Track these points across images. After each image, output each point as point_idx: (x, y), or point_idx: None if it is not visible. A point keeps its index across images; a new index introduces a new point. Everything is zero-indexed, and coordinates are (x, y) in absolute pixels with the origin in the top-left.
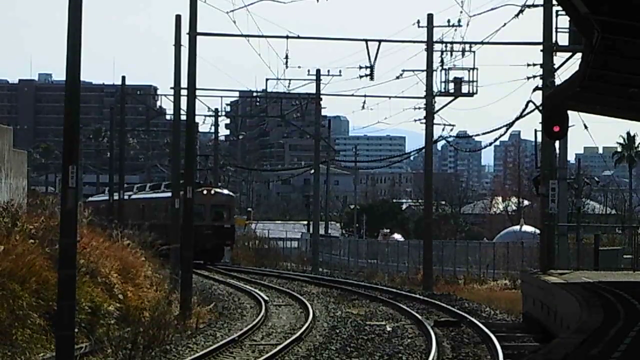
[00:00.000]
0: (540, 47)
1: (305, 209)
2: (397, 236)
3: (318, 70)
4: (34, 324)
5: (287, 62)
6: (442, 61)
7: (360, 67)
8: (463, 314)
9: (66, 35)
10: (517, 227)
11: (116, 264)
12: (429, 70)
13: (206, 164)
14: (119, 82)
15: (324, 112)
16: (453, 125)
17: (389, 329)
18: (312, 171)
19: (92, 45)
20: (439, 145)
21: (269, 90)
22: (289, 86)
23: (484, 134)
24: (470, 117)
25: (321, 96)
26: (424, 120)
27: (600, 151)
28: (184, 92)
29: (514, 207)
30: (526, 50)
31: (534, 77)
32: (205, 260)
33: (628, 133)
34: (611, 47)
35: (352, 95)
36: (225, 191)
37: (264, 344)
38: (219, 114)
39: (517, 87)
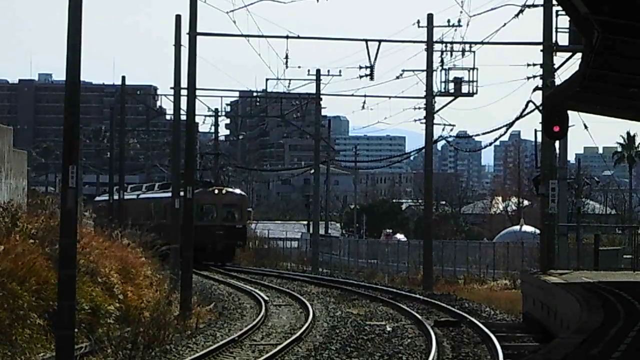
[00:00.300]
0: (540, 47)
1: (305, 209)
2: (400, 236)
3: (318, 70)
4: (34, 324)
5: (287, 62)
6: (442, 61)
7: (360, 67)
8: (463, 314)
9: (66, 35)
10: (517, 227)
11: (116, 264)
12: (429, 70)
13: (217, 163)
14: (119, 82)
15: (324, 112)
16: (453, 125)
17: (389, 329)
18: (312, 171)
19: (92, 45)
20: (439, 145)
21: (269, 90)
22: (289, 86)
23: (484, 134)
24: (470, 117)
25: (321, 96)
26: (424, 120)
27: (600, 151)
28: (184, 92)
29: (514, 207)
30: (526, 50)
31: (534, 77)
32: (216, 262)
33: (628, 133)
34: (611, 47)
35: (352, 95)
36: (237, 190)
37: (264, 344)
38: (219, 114)
39: (517, 87)
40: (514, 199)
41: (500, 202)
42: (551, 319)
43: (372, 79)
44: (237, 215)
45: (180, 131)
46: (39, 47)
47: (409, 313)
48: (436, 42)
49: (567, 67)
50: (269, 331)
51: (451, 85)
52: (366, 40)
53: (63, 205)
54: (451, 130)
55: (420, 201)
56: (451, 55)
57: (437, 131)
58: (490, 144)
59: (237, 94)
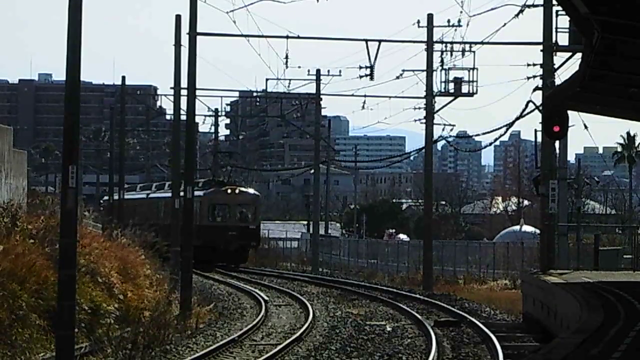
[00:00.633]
0: (540, 47)
1: (305, 209)
2: (403, 236)
3: (318, 70)
4: (34, 324)
5: (287, 62)
6: (442, 61)
7: (360, 67)
8: (463, 314)
9: (66, 35)
10: (517, 227)
11: (116, 264)
12: (429, 70)
13: (227, 163)
14: (119, 82)
15: (324, 112)
16: (453, 125)
17: (389, 329)
18: (312, 171)
19: (92, 45)
20: (439, 145)
21: (269, 90)
22: (289, 86)
23: (484, 134)
24: (470, 117)
25: (321, 96)
26: (424, 120)
27: (600, 151)
28: (184, 92)
29: (514, 207)
30: (526, 50)
31: (534, 77)
32: (229, 263)
33: (628, 133)
34: (611, 47)
35: (352, 95)
36: (251, 190)
37: (264, 344)
38: (219, 114)
39: (517, 87)
40: (514, 199)
41: (500, 202)
42: (551, 319)
43: (372, 79)
44: (250, 216)
45: (180, 131)
46: (39, 47)
47: (409, 313)
48: (436, 42)
49: (567, 67)
50: (269, 331)
51: (451, 85)
52: (366, 40)
53: (63, 205)
54: (451, 130)
55: (420, 201)
56: (451, 55)
57: (437, 131)
58: (490, 144)
59: (237, 94)
